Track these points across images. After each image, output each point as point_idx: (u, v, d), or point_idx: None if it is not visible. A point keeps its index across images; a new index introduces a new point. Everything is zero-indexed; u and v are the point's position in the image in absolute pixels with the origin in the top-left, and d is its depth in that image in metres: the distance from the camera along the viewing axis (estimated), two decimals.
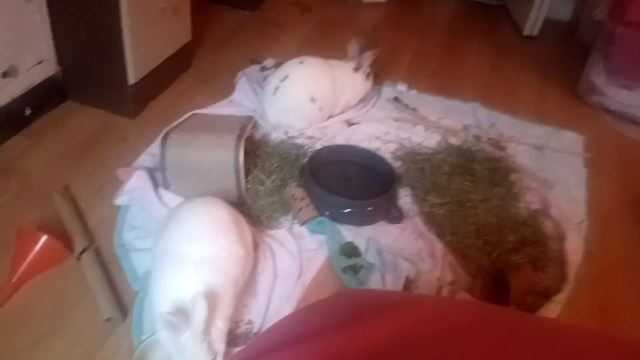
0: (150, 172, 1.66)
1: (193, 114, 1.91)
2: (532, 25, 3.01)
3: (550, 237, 1.67)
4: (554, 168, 1.99)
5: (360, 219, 1.65)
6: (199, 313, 1.03)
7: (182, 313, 1.07)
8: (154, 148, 1.79)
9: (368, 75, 2.12)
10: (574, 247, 1.63)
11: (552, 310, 1.42)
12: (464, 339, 0.54)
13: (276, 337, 0.63)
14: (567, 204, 1.82)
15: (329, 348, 0.55)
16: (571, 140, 2.19)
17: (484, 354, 0.52)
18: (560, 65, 2.80)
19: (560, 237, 1.67)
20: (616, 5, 2.33)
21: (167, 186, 1.59)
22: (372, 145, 1.98)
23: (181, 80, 2.23)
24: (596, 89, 2.43)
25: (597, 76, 2.42)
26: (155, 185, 1.60)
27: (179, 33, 2.15)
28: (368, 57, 2.06)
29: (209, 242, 1.19)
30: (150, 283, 1.20)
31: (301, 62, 1.96)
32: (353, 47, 2.08)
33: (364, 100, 2.19)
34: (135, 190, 1.58)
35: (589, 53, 2.54)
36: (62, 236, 1.43)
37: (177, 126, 1.70)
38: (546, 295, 1.47)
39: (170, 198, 1.56)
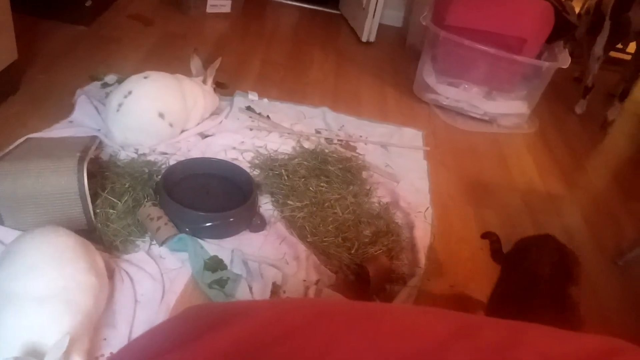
0: None
1: (27, 139, 1.74)
2: (368, 32, 3.23)
3: (401, 226, 1.81)
4: (398, 163, 2.16)
5: (222, 231, 1.63)
6: (55, 352, 0.95)
7: (31, 356, 0.97)
8: None
9: (213, 89, 2.13)
10: (422, 234, 1.79)
11: (409, 294, 1.54)
12: (301, 338, 0.57)
13: None
14: (412, 194, 1.98)
15: None
16: (412, 136, 2.39)
17: (321, 349, 0.55)
18: (396, 68, 3.04)
19: (410, 226, 1.81)
20: (437, 11, 2.60)
21: (0, 221, 1.42)
22: (229, 155, 1.97)
23: (9, 104, 2.02)
24: (428, 87, 2.68)
25: (428, 76, 2.68)
26: None
27: (1, 52, 1.95)
28: (212, 70, 2.07)
29: (53, 274, 1.09)
30: None
31: (146, 77, 1.88)
32: (195, 62, 2.08)
33: (216, 112, 2.18)
34: None
35: (419, 55, 2.80)
36: None
37: (7, 154, 1.54)
38: (402, 281, 1.59)
39: (6, 233, 1.40)
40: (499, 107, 2.66)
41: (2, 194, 1.40)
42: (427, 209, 1.93)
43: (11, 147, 1.65)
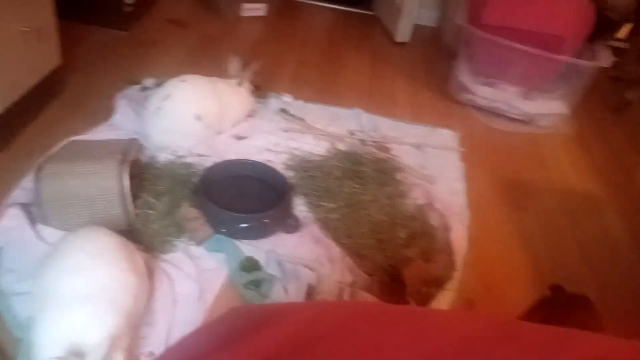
0: (26, 208, 1.53)
1: (70, 142, 1.80)
2: (402, 32, 3.20)
3: (437, 228, 1.78)
4: (434, 164, 2.14)
5: (257, 233, 1.65)
6: (97, 353, 0.98)
7: (74, 355, 1.00)
8: (28, 182, 1.65)
9: (251, 91, 2.15)
10: (459, 236, 1.76)
11: (445, 297, 1.52)
12: (336, 339, 0.58)
13: None
14: (449, 196, 1.95)
15: None
16: (447, 137, 2.36)
17: (357, 350, 0.56)
18: (431, 68, 3.01)
19: (446, 228, 1.79)
20: (473, 9, 2.57)
21: (46, 221, 1.48)
22: (264, 157, 1.98)
23: (53, 107, 2.09)
24: (464, 87, 2.64)
25: (464, 76, 2.64)
26: (33, 222, 1.49)
27: (46, 57, 2.02)
28: (250, 72, 2.09)
29: (95, 274, 1.12)
30: (33, 328, 1.11)
31: (183, 81, 1.92)
32: (233, 64, 2.10)
33: (251, 114, 2.20)
34: (10, 230, 1.45)
35: (455, 55, 2.76)
36: None
37: (52, 156, 1.59)
38: (438, 284, 1.57)
39: (51, 234, 1.45)
40: (537, 107, 2.60)
41: (47, 195, 1.45)
42: (464, 210, 1.90)
43: (56, 148, 1.70)
